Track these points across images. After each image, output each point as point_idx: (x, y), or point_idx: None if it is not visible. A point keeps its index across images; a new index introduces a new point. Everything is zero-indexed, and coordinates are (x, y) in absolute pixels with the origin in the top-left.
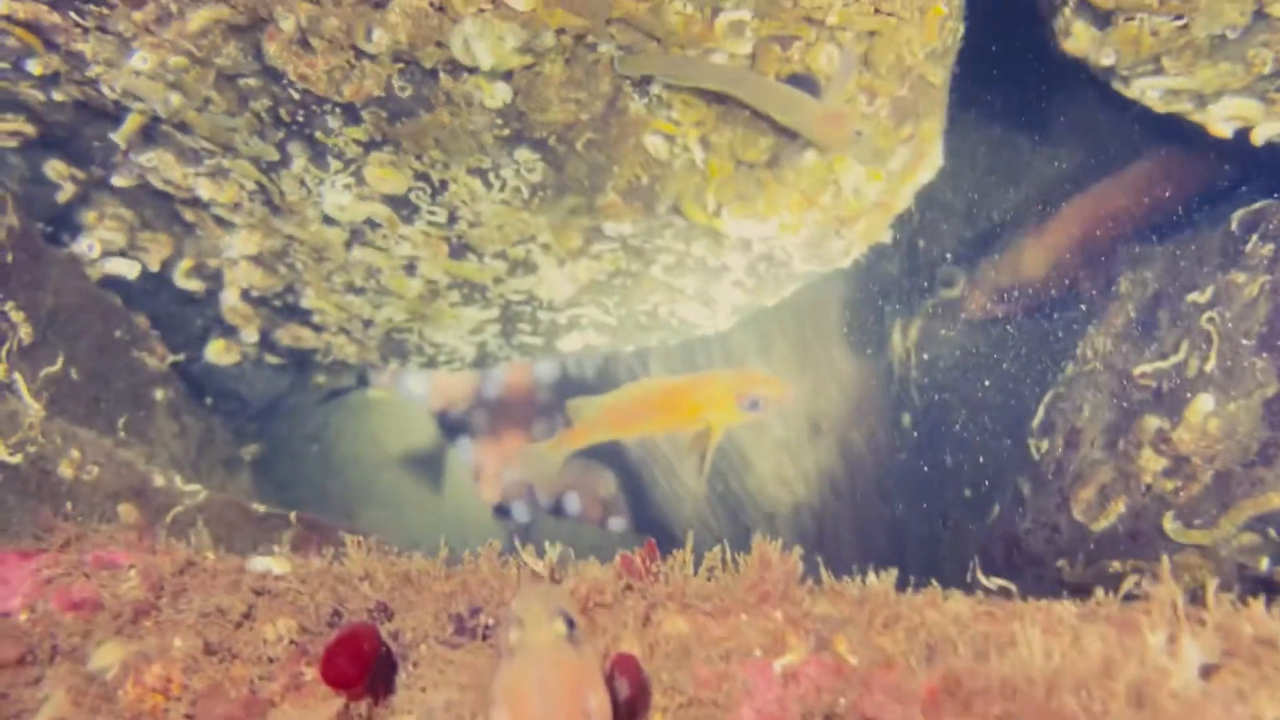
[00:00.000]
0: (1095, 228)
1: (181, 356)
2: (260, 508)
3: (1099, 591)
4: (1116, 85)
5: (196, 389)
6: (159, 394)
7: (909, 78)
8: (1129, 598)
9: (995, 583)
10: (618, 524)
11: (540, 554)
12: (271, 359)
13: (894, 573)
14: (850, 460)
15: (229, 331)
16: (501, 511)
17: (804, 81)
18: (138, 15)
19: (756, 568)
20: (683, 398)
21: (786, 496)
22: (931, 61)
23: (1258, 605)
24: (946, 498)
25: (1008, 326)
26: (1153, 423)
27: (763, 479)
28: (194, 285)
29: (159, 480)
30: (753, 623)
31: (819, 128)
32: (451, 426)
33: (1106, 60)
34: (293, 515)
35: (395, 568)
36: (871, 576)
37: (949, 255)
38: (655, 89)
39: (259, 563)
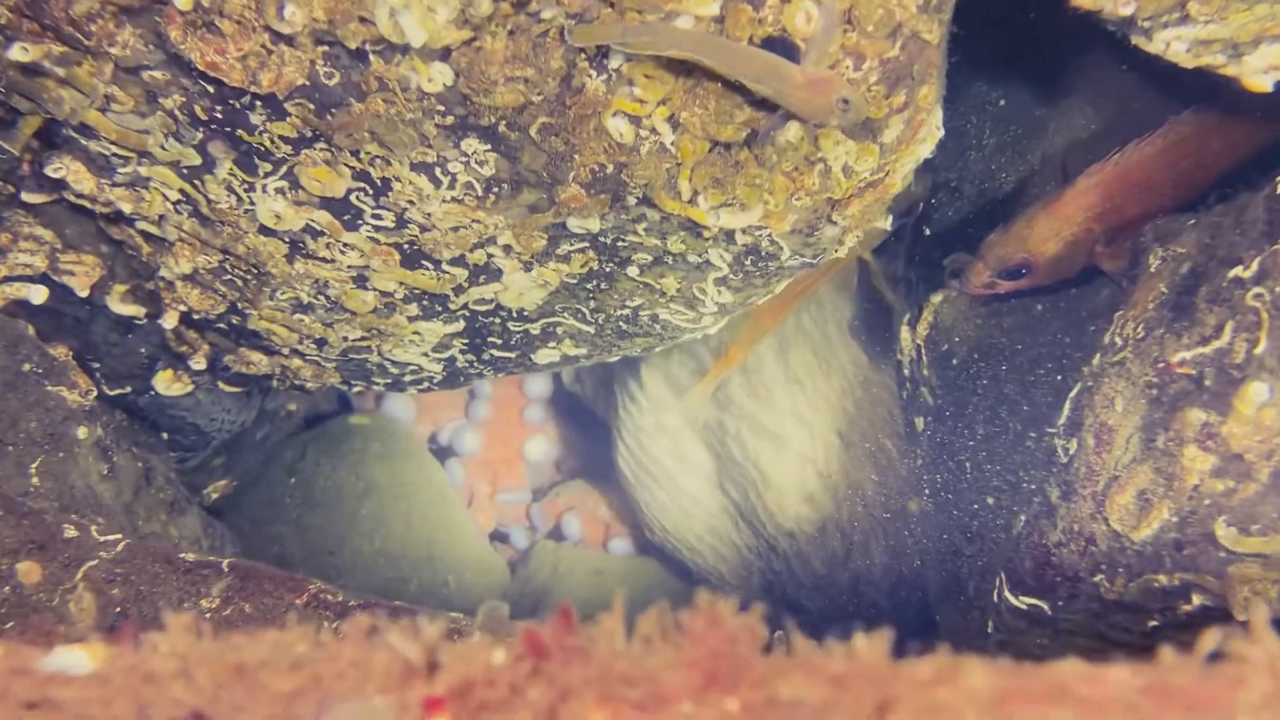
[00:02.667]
0: (1118, 198)
1: (127, 389)
2: (190, 556)
3: (1166, 652)
4: (1137, 39)
5: (150, 424)
6: (81, 432)
7: (900, 36)
8: (1213, 657)
9: (1025, 602)
10: (621, 545)
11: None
12: (227, 387)
13: (886, 635)
14: (882, 471)
15: (176, 360)
16: (499, 537)
17: (780, 45)
18: None
19: (701, 637)
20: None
21: (810, 513)
22: (926, 15)
23: None
24: (967, 507)
25: (1026, 313)
26: (1196, 416)
27: (782, 493)
28: (132, 310)
29: (70, 532)
30: (699, 715)
31: (800, 96)
32: (441, 449)
33: (1125, 10)
34: (225, 563)
35: (225, 658)
36: (860, 639)
37: (957, 242)
38: (614, 62)
39: (58, 657)
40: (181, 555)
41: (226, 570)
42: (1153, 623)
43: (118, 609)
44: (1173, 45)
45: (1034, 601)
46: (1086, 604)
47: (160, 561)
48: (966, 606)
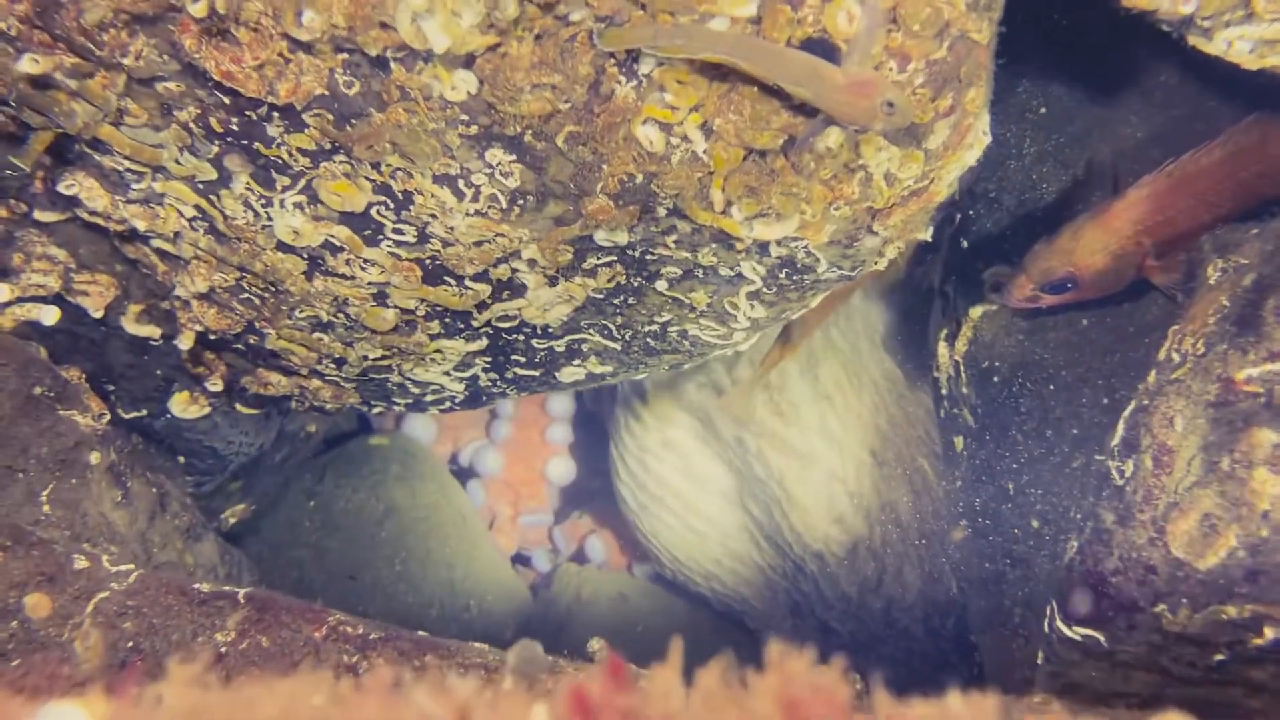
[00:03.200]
0: (1171, 210)
1: (143, 412)
2: (205, 587)
3: None
4: (1195, 40)
5: (166, 448)
6: (94, 457)
7: (948, 35)
8: None
9: (1079, 632)
10: (646, 569)
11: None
12: (245, 409)
13: (992, 698)
14: (918, 493)
15: (193, 381)
16: (521, 560)
17: (820, 47)
18: (21, 7)
19: (775, 697)
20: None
21: (840, 534)
22: (975, 14)
23: None
24: (1010, 532)
25: (1071, 328)
26: (1266, 437)
27: (809, 513)
28: (148, 331)
29: (81, 563)
30: None
31: (841, 98)
32: (462, 470)
33: (1185, 8)
34: (241, 594)
35: (235, 715)
36: (955, 697)
37: (996, 256)
38: (645, 67)
39: (51, 714)
40: (196, 586)
41: (243, 602)
42: (1219, 657)
43: (129, 643)
44: (1235, 45)
45: (1089, 632)
46: (1147, 636)
47: (174, 593)
48: (1011, 635)
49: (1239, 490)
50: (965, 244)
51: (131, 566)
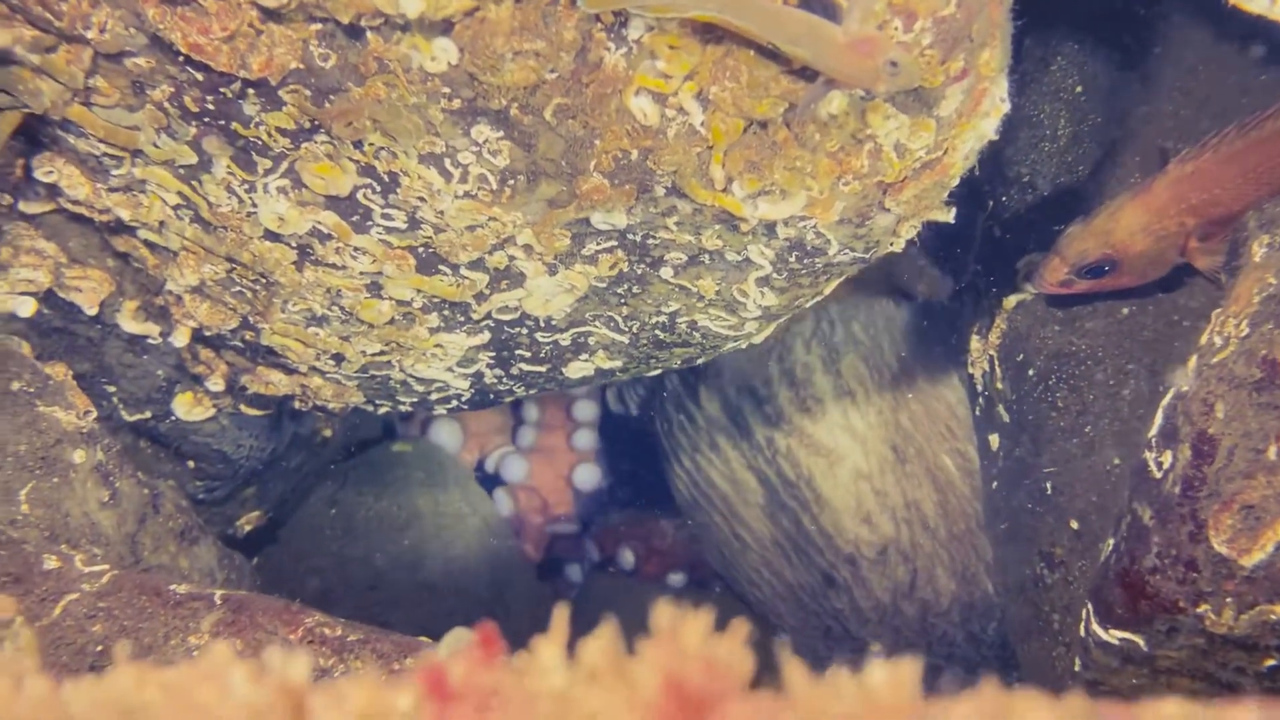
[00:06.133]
0: (1216, 188)
1: (147, 414)
2: (181, 588)
3: None
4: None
5: (174, 451)
6: (78, 456)
7: None
8: None
9: (1116, 636)
10: (678, 579)
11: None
12: (249, 409)
13: (911, 666)
14: (942, 489)
15: (195, 381)
16: (549, 570)
17: (819, 4)
18: None
19: (661, 670)
20: None
21: (869, 535)
22: None
23: None
24: (1049, 532)
25: (1110, 316)
26: None
27: (838, 513)
28: (145, 328)
29: (51, 563)
30: None
31: (843, 58)
32: (487, 477)
33: None
34: (218, 595)
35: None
36: (878, 668)
37: (1030, 243)
38: (634, 32)
39: None
40: (172, 588)
41: (219, 603)
42: (1270, 661)
43: (99, 647)
44: None
45: (1127, 635)
46: (1189, 639)
47: (148, 594)
48: (1051, 643)
49: None
50: (997, 231)
51: (106, 567)
